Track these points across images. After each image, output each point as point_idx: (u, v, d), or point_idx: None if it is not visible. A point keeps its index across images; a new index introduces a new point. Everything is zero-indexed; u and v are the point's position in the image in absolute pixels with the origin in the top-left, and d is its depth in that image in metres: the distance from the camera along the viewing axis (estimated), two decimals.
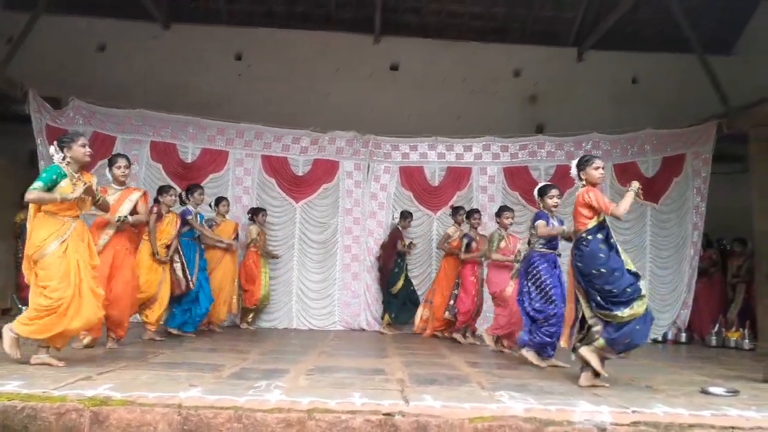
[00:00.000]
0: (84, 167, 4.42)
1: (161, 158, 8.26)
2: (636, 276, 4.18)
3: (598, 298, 4.15)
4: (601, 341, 4.17)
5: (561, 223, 5.37)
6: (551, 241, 5.32)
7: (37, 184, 4.15)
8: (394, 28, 10.01)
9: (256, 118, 8.66)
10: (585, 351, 4.20)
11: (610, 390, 4.06)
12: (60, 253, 4.15)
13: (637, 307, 4.10)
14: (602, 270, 4.14)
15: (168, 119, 8.34)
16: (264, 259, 7.93)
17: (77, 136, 4.40)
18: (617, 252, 4.23)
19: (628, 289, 4.11)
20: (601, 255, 4.18)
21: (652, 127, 8.46)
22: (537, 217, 5.35)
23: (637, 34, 10.07)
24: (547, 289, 5.18)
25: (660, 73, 9.89)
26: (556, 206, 5.34)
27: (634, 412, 3.32)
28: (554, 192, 5.35)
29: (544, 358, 5.20)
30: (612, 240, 4.27)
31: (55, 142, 4.37)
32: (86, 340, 5.07)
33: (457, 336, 7.04)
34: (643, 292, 4.15)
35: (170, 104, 8.65)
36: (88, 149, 4.35)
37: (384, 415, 3.13)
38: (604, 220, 4.31)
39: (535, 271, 5.28)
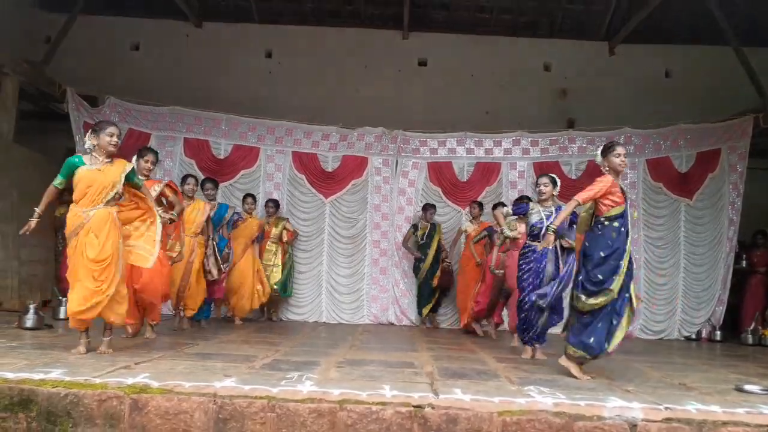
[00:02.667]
0: (112, 155, 4.40)
1: (194, 154, 8.43)
2: (616, 269, 4.19)
3: (581, 278, 4.25)
4: (570, 348, 4.30)
5: (557, 210, 5.29)
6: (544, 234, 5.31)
7: (57, 178, 4.36)
8: (422, 24, 10.02)
9: (287, 115, 8.77)
10: (563, 360, 4.36)
11: (641, 386, 4.02)
12: (72, 247, 4.27)
13: (600, 299, 4.16)
14: (602, 254, 4.22)
15: (201, 116, 8.50)
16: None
17: (107, 125, 4.43)
18: (626, 243, 4.27)
19: (605, 279, 4.18)
20: (609, 242, 4.23)
21: (686, 122, 8.30)
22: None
23: (670, 26, 9.87)
24: (526, 280, 5.30)
25: (694, 66, 9.71)
26: (539, 194, 5.39)
27: (666, 408, 3.29)
28: (539, 180, 5.46)
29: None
30: (625, 230, 4.29)
31: (90, 129, 4.50)
32: (130, 330, 5.24)
33: (475, 326, 7.06)
34: (613, 287, 4.16)
35: (203, 101, 8.82)
36: (114, 139, 4.36)
37: (414, 407, 3.16)
38: (625, 211, 4.32)
39: (522, 262, 5.43)
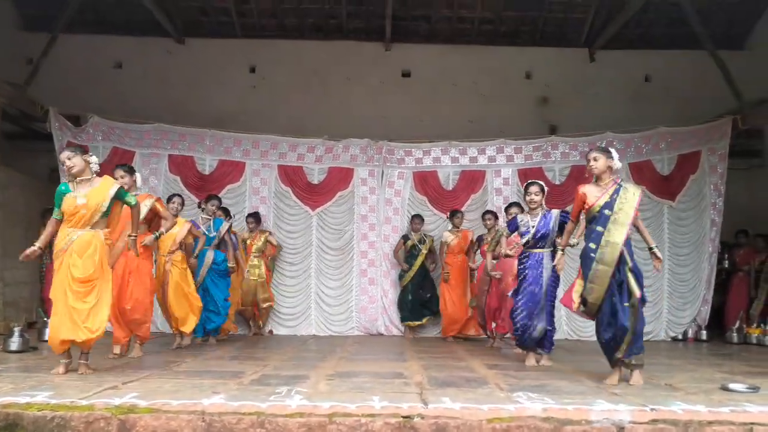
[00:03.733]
0: (77, 175, 4.44)
1: (179, 171, 8.40)
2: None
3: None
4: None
5: (545, 217, 5.43)
6: (537, 241, 5.40)
7: (54, 210, 4.44)
8: (404, 36, 10.09)
9: (272, 129, 8.77)
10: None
11: (628, 389, 4.07)
12: (57, 264, 4.34)
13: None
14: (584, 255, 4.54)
15: (185, 132, 8.48)
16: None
17: (61, 151, 4.62)
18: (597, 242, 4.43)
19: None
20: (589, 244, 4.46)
21: (667, 125, 8.41)
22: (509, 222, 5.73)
23: (649, 32, 10.03)
24: (525, 284, 5.35)
25: (673, 70, 9.84)
26: (530, 203, 5.47)
27: (652, 410, 3.33)
28: (530, 189, 5.51)
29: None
30: (595, 232, 4.43)
31: None
32: (116, 350, 5.24)
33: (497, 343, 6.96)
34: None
35: (187, 117, 8.81)
36: (67, 162, 4.41)
37: (403, 417, 3.18)
38: (595, 215, 4.46)
39: (521, 267, 5.47)
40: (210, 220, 6.88)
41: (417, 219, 8.24)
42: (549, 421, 3.17)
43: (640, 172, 8.35)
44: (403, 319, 8.19)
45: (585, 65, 10.15)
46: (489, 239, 6.99)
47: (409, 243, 8.14)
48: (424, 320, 8.11)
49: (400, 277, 8.21)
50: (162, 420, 3.15)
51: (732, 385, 4.09)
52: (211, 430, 3.13)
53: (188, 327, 6.13)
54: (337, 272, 8.50)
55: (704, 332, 8.07)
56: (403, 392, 3.80)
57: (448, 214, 8.03)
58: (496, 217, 7.32)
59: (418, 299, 8.06)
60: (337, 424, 3.13)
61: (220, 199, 7.26)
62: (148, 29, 9.71)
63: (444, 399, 3.56)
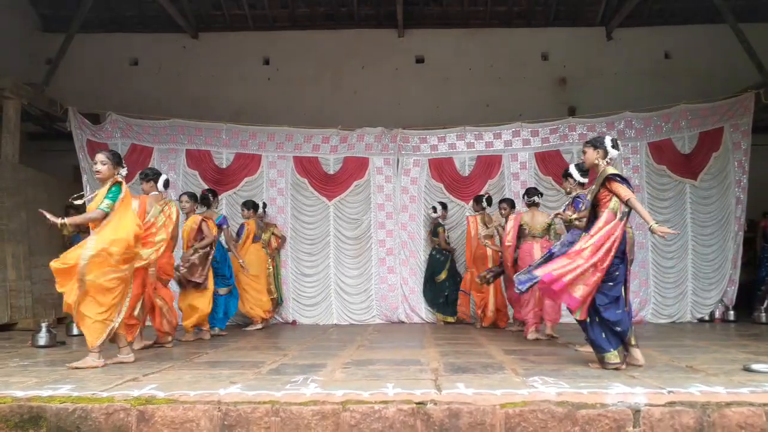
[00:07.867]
0: (100, 181, 4.71)
1: (197, 165, 8.49)
2: None
3: None
4: None
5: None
6: None
7: None
8: (417, 21, 10.04)
9: (287, 120, 8.82)
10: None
11: (647, 371, 4.02)
12: None
13: None
14: None
15: (201, 127, 8.56)
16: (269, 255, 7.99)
17: (95, 154, 4.79)
18: None
19: None
20: None
21: (686, 102, 8.23)
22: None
23: (667, 7, 9.82)
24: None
25: (693, 45, 9.64)
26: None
27: (669, 392, 3.29)
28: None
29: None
30: None
31: None
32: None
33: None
34: None
35: (203, 112, 8.91)
36: (96, 166, 4.61)
37: (416, 404, 3.18)
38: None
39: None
40: (215, 214, 6.99)
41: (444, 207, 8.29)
42: (563, 405, 3.14)
43: (660, 151, 8.21)
44: (438, 312, 8.14)
45: (602, 44, 10.00)
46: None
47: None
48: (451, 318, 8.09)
49: (437, 267, 8.12)
50: (179, 410, 3.21)
51: (755, 366, 4.01)
52: (228, 419, 3.18)
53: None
54: (356, 261, 8.53)
55: (731, 312, 7.92)
56: (418, 379, 3.81)
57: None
58: (512, 206, 7.13)
59: (452, 290, 8.01)
60: (351, 412, 3.15)
61: (216, 193, 7.40)
62: (162, 25, 9.83)
63: (459, 385, 3.55)
